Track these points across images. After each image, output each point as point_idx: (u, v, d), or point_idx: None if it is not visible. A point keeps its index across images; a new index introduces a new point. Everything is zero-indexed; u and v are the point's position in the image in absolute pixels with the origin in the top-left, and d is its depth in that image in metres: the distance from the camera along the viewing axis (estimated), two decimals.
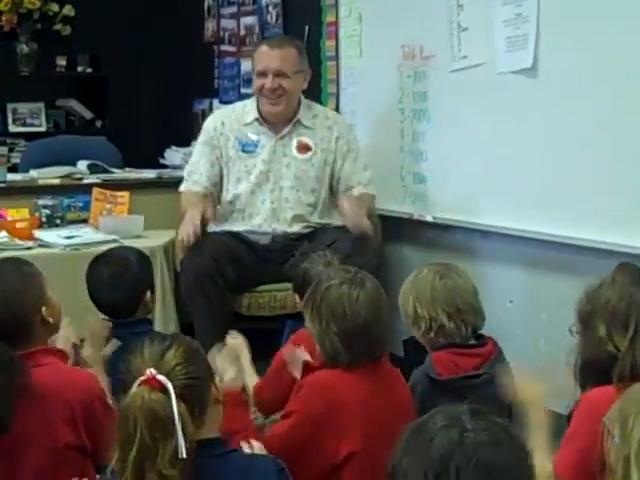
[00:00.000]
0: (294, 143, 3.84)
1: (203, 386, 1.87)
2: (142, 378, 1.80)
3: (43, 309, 2.38)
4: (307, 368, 2.48)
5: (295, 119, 3.84)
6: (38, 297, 2.38)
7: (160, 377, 1.80)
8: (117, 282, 2.85)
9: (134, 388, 1.80)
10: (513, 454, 1.40)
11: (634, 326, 2.09)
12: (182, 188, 3.95)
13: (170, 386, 1.79)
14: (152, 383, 1.79)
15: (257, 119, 3.85)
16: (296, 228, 3.82)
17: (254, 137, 3.84)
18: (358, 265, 3.52)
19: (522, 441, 1.45)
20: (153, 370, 1.80)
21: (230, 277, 3.62)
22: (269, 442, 2.24)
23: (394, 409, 2.35)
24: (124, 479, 1.76)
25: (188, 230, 3.57)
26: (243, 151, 3.84)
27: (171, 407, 1.78)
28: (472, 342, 2.64)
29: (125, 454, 1.77)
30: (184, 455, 1.77)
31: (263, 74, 3.76)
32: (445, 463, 1.36)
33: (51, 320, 2.41)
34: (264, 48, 3.83)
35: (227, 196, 3.87)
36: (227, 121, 3.89)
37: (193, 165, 3.94)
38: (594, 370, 2.13)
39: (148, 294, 2.94)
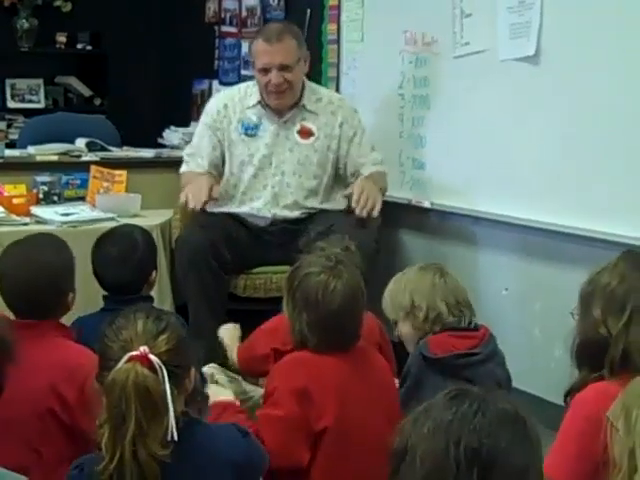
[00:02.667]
0: (297, 128, 3.80)
1: (182, 376, 1.86)
2: (133, 353, 1.78)
3: (70, 294, 2.48)
4: (277, 354, 2.54)
5: (300, 104, 3.80)
6: (72, 281, 2.51)
7: (153, 357, 1.78)
8: (126, 261, 2.86)
9: (122, 362, 1.77)
10: (526, 430, 1.39)
11: (629, 312, 2.09)
12: (183, 169, 3.93)
13: (164, 368, 1.77)
14: (143, 361, 1.77)
15: (260, 102, 3.81)
16: (296, 213, 3.80)
17: (256, 120, 3.81)
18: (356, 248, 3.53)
19: (531, 420, 1.43)
20: (147, 348, 1.79)
21: (225, 258, 3.61)
22: (261, 432, 2.23)
23: (372, 394, 2.37)
24: (115, 458, 1.75)
25: (199, 196, 3.57)
26: (246, 134, 3.81)
27: (164, 387, 1.77)
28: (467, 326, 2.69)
29: (118, 433, 1.76)
30: (175, 437, 1.77)
31: (266, 70, 3.69)
32: (464, 429, 1.34)
33: (71, 307, 2.49)
34: (262, 44, 3.72)
35: (231, 179, 3.84)
36: (230, 104, 3.85)
37: (194, 147, 3.92)
38: (588, 353, 2.13)
39: (154, 273, 2.96)
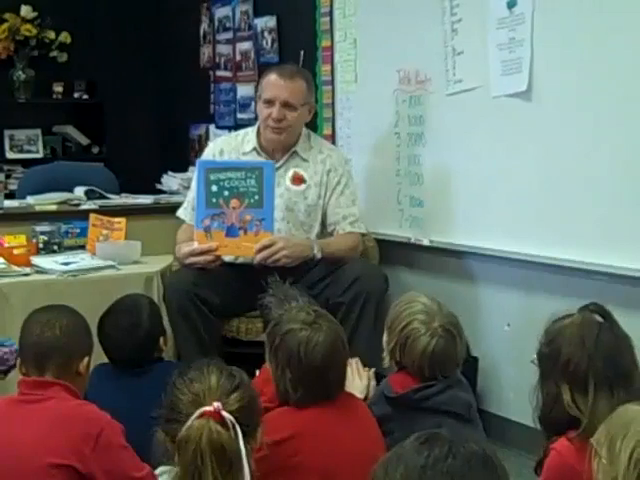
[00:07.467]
0: (289, 174, 3.80)
1: (251, 435, 1.84)
2: (206, 409, 1.76)
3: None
4: (265, 410, 2.53)
5: (292, 149, 3.81)
6: (59, 362, 2.41)
7: (226, 414, 1.76)
8: (129, 338, 2.86)
9: (194, 417, 1.76)
10: (496, 471, 1.41)
11: (593, 386, 2.06)
12: (182, 215, 3.94)
13: (237, 426, 1.75)
14: (215, 417, 1.75)
15: (255, 148, 3.83)
16: None
17: None
18: (366, 289, 3.53)
19: (499, 460, 1.45)
20: (220, 405, 1.77)
21: (214, 302, 3.59)
22: None
23: (356, 442, 2.34)
24: None
25: (207, 259, 3.60)
26: None
27: (237, 444, 1.74)
28: None
29: None
30: None
31: (270, 102, 3.71)
32: (437, 472, 1.36)
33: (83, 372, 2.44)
34: (274, 77, 3.74)
35: None
36: (226, 149, 3.88)
37: (193, 191, 3.92)
38: (554, 424, 2.11)
39: (161, 340, 2.97)
